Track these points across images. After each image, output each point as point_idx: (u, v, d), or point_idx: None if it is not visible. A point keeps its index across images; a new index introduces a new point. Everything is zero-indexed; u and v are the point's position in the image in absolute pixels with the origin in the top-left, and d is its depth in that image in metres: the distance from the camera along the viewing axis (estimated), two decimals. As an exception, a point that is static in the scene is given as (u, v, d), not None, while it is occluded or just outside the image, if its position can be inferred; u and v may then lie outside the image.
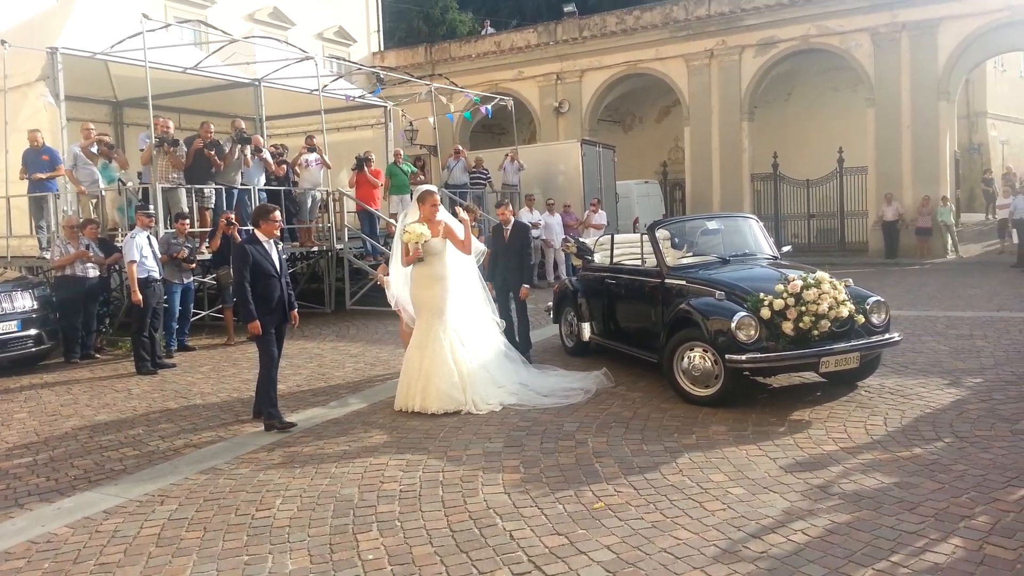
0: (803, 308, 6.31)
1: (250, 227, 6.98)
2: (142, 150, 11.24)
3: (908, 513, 4.25)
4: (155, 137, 10.82)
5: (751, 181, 23.41)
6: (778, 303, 6.37)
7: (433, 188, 7.28)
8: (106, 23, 12.31)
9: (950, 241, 21.01)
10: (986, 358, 8.07)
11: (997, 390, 6.75)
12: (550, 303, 10.16)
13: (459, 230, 7.07)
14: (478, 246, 7.60)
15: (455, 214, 7.36)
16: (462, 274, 7.22)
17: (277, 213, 6.72)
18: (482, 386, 6.93)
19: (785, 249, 8.63)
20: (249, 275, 6.40)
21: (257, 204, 12.06)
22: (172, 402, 7.72)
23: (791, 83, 24.92)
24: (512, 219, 9.17)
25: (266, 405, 6.61)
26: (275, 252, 6.67)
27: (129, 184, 11.46)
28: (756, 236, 8.30)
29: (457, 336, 6.99)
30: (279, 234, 6.86)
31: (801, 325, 6.31)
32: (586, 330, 8.90)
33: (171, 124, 11.54)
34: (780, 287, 6.45)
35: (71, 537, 4.49)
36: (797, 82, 24.99)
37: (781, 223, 22.96)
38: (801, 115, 25.45)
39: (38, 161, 11.00)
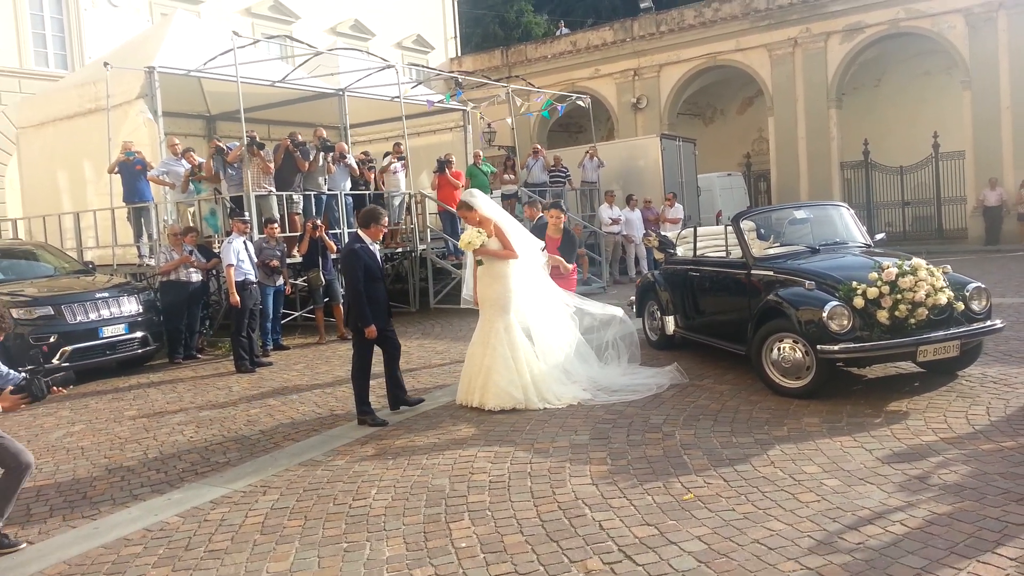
0: (899, 296, 6.12)
1: (356, 229, 7.08)
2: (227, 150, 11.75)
3: (1015, 504, 4.08)
4: (246, 136, 11.28)
5: (840, 170, 22.68)
6: (872, 291, 6.18)
7: (466, 197, 7.26)
8: (198, 42, 12.93)
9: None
10: (1100, 346, 7.63)
11: (1113, 379, 6.39)
12: (632, 298, 10.10)
13: (508, 232, 7.02)
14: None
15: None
16: (529, 271, 7.23)
17: (386, 219, 6.89)
18: (555, 384, 6.96)
19: (879, 237, 8.35)
20: (362, 277, 6.53)
21: (342, 208, 12.51)
22: (271, 398, 8.04)
23: (881, 68, 24.00)
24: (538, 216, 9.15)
25: (358, 404, 6.82)
26: (378, 255, 6.91)
27: (219, 194, 12.01)
28: (847, 224, 8.07)
29: (525, 334, 7.02)
30: (381, 238, 7.04)
31: (897, 313, 6.11)
32: (670, 323, 8.82)
33: (221, 142, 12.07)
34: (874, 275, 6.26)
35: (182, 525, 4.75)
36: (887, 67, 24.04)
37: (874, 212, 22.16)
38: (892, 101, 24.47)
39: (132, 170, 11.64)
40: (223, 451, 6.25)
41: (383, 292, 6.84)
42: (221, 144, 11.85)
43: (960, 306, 6.30)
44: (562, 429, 6.12)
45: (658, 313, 9.12)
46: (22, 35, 17.99)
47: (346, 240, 12.42)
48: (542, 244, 7.69)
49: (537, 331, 7.15)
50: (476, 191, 7.43)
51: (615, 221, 17.16)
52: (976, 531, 3.82)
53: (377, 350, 6.93)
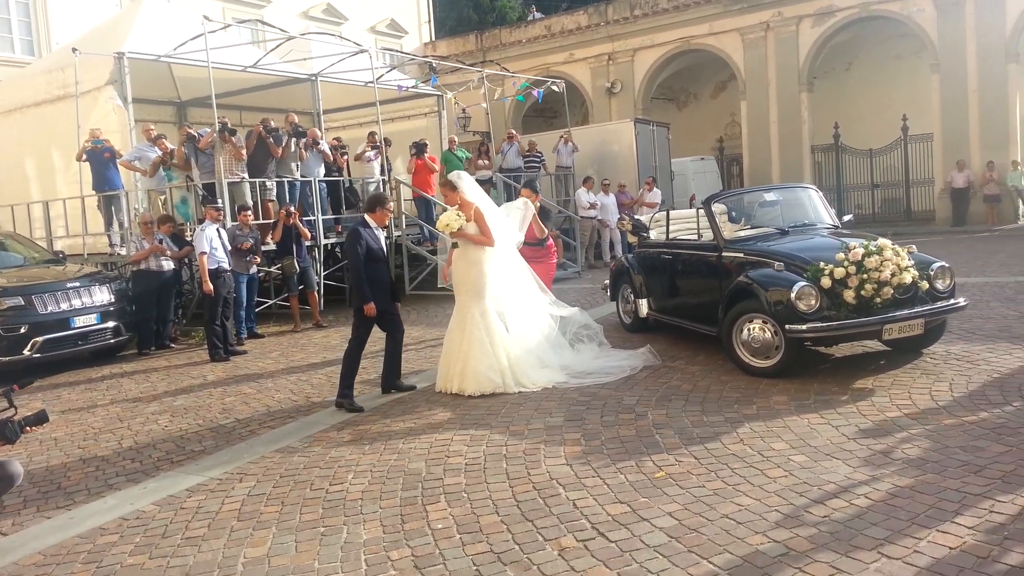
0: (865, 276, 6.24)
1: (363, 214, 7.24)
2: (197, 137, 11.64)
3: (974, 476, 4.21)
4: (217, 123, 11.18)
5: (812, 153, 22.92)
6: (839, 272, 6.31)
7: (452, 177, 7.30)
8: (168, 27, 12.77)
9: (1021, 206, 20.23)
10: (1060, 323, 7.83)
11: (1071, 355, 6.57)
12: (607, 281, 10.19)
13: (488, 218, 7.06)
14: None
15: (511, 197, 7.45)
16: (505, 257, 7.28)
17: (392, 204, 7.12)
18: (529, 368, 7.02)
19: (846, 218, 8.49)
20: (363, 258, 6.72)
21: (316, 194, 12.46)
22: (245, 386, 8.03)
23: (852, 52, 24.23)
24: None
25: (343, 384, 6.90)
26: (383, 238, 7.01)
27: (185, 181, 11.89)
28: (816, 206, 8.19)
29: (500, 319, 7.07)
30: (387, 223, 7.16)
31: (863, 293, 6.24)
32: (643, 306, 8.92)
33: (192, 129, 11.95)
34: (841, 255, 6.39)
35: (158, 514, 4.75)
36: (858, 51, 24.28)
37: (844, 194, 22.45)
38: (863, 84, 24.74)
39: (100, 158, 11.51)
40: (198, 439, 6.26)
41: (385, 273, 7.00)
42: (192, 131, 11.73)
43: (925, 285, 6.44)
44: (537, 412, 6.20)
45: (631, 296, 9.21)
46: (-14, 21, 17.65)
47: (320, 227, 12.43)
48: (520, 237, 7.75)
49: (511, 317, 7.19)
50: (464, 173, 7.45)
51: (592, 206, 17.22)
52: (936, 502, 3.94)
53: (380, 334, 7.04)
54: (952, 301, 6.59)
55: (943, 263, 6.68)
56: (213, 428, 6.56)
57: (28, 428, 4.47)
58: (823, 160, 23.30)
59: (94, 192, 11.85)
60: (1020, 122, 20.65)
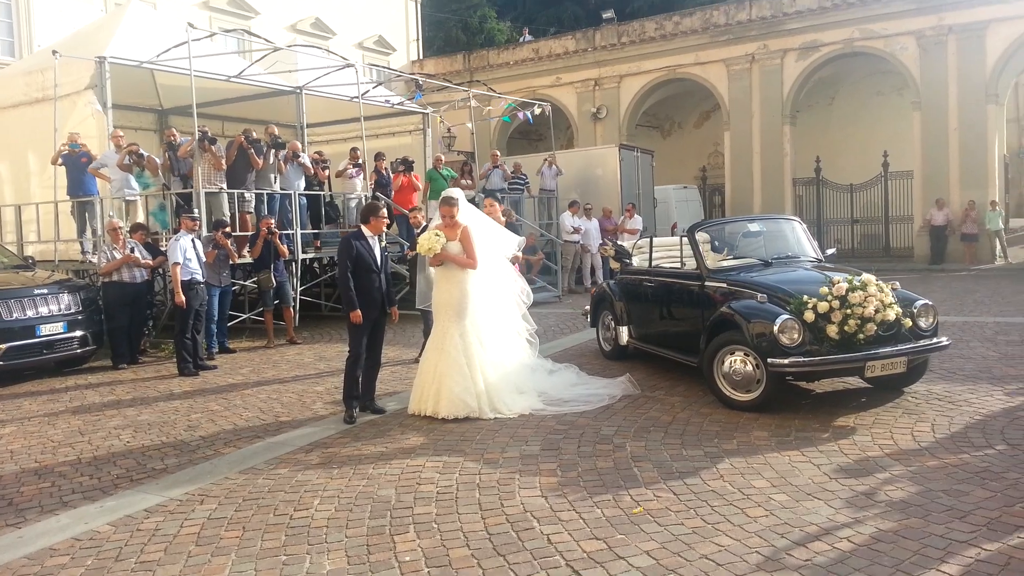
0: (848, 311, 6.17)
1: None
2: (174, 146, 11.43)
3: (958, 521, 4.11)
4: (198, 131, 10.99)
5: (793, 186, 23.09)
6: (822, 306, 6.23)
7: (453, 193, 7.18)
8: (153, 33, 12.59)
9: (998, 246, 20.45)
10: (1039, 365, 7.81)
11: (1052, 397, 6.53)
12: (587, 307, 10.08)
13: (475, 240, 6.93)
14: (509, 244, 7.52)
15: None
16: (489, 279, 7.13)
17: (385, 211, 7.01)
18: (506, 393, 6.87)
19: (830, 252, 8.46)
20: (352, 268, 6.73)
21: (296, 208, 12.28)
22: (213, 403, 7.81)
23: (835, 87, 24.54)
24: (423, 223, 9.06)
25: (344, 395, 6.95)
26: (378, 248, 6.92)
27: (164, 190, 11.65)
28: (799, 238, 8.15)
29: (479, 341, 6.91)
30: (384, 231, 7.12)
31: (846, 328, 6.17)
32: (624, 334, 8.82)
33: (177, 133, 11.75)
34: (825, 289, 6.32)
35: (113, 535, 4.54)
36: (841, 86, 24.59)
37: (824, 228, 22.60)
38: (845, 119, 25.04)
39: (77, 163, 11.28)
40: (160, 457, 6.03)
41: (375, 283, 6.87)
42: (176, 136, 11.53)
43: (908, 323, 6.38)
44: (512, 439, 6.04)
45: (612, 323, 9.11)
46: (-34, 20, 17.39)
47: (298, 241, 12.24)
48: (512, 252, 7.60)
49: (490, 340, 7.03)
50: (457, 191, 7.29)
51: (576, 230, 17.18)
52: (921, 548, 3.83)
53: None
54: (935, 340, 6.53)
55: (926, 301, 6.64)
56: (177, 445, 6.33)
57: None
58: (804, 193, 23.49)
59: (68, 197, 11.60)
60: (998, 162, 20.95)
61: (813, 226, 21.81)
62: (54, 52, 11.54)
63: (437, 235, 6.87)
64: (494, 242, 7.33)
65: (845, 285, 6.28)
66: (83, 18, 17.16)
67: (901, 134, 21.84)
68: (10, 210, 12.80)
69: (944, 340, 6.61)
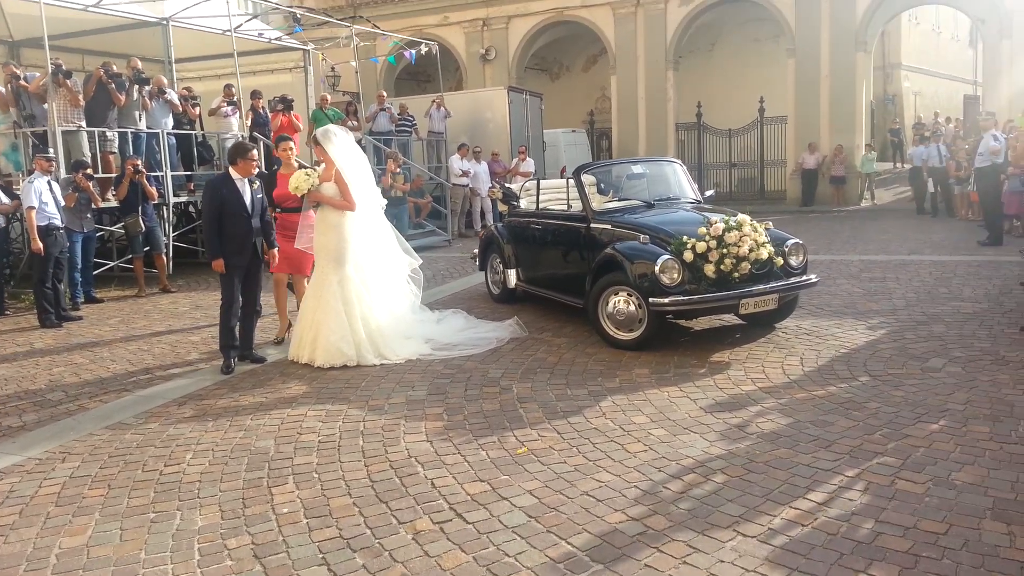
0: (724, 250, 6.35)
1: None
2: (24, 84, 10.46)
3: (824, 451, 4.32)
4: (51, 64, 10.08)
5: (676, 131, 23.54)
6: (701, 246, 6.39)
7: (327, 130, 6.88)
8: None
9: (866, 189, 21.61)
10: (898, 299, 8.32)
11: (908, 330, 6.96)
12: (475, 251, 10.01)
13: (349, 180, 6.69)
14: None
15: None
16: (369, 222, 6.92)
17: (255, 152, 6.62)
18: (392, 339, 6.76)
19: (708, 194, 8.67)
20: (217, 212, 6.38)
21: (164, 148, 11.54)
22: (78, 356, 7.33)
23: (715, 33, 25.00)
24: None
25: (220, 344, 6.66)
26: (249, 191, 6.52)
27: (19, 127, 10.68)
28: (680, 181, 8.31)
29: (363, 286, 6.75)
30: (255, 173, 6.68)
31: (723, 267, 6.35)
32: (512, 277, 8.81)
33: (17, 69, 10.74)
34: (703, 230, 6.47)
35: (-38, 498, 4.20)
36: (721, 32, 25.09)
37: (704, 172, 23.21)
38: (725, 65, 25.61)
39: None
40: (18, 414, 5.63)
41: (245, 228, 6.49)
42: (17, 70, 10.53)
43: (780, 261, 6.63)
44: (399, 385, 5.95)
45: (500, 267, 9.07)
46: None
47: (169, 184, 11.54)
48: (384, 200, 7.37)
49: (374, 285, 6.85)
50: (336, 129, 6.95)
51: (465, 173, 16.97)
52: (789, 477, 4.01)
53: None
54: (805, 277, 6.83)
55: (797, 240, 6.91)
56: (36, 402, 5.92)
57: None
58: (686, 138, 24.00)
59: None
60: (866, 108, 21.97)
61: (694, 170, 22.37)
62: None
63: (307, 174, 6.60)
64: (372, 186, 7.09)
65: (722, 226, 6.44)
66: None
67: (777, 80, 22.53)
68: None
69: (813, 278, 6.92)
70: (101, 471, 4.50)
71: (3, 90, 10.46)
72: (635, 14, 23.16)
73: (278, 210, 7.35)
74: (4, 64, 11.34)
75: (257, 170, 6.78)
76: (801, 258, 6.85)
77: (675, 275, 6.35)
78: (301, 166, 7.15)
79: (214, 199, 6.47)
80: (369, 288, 6.81)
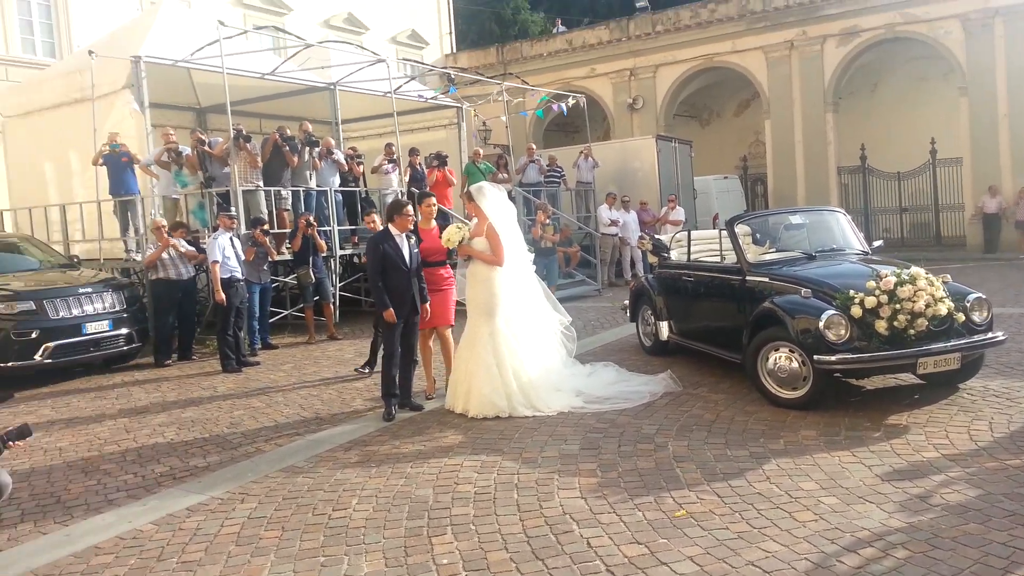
0: (898, 306, 5.97)
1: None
2: (208, 149, 11.51)
3: (1021, 528, 3.92)
4: (232, 129, 11.06)
5: (838, 174, 22.59)
6: (870, 301, 6.04)
7: (481, 186, 7.10)
8: (187, 31, 12.65)
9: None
10: (1100, 359, 7.50)
11: (1115, 394, 6.25)
12: (626, 301, 9.95)
13: (502, 236, 6.84)
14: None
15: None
16: (519, 277, 7.04)
17: (409, 208, 6.95)
18: (544, 391, 6.79)
19: (876, 244, 8.21)
20: (380, 266, 6.72)
21: (332, 204, 12.33)
22: (255, 399, 7.86)
23: (877, 73, 23.89)
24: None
25: (382, 392, 6.96)
26: (407, 246, 6.84)
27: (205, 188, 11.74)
28: (844, 230, 7.93)
29: (513, 339, 6.84)
30: (411, 228, 7.03)
31: (896, 324, 5.96)
32: (664, 329, 8.67)
33: (203, 136, 11.81)
34: (872, 284, 6.12)
35: (155, 534, 4.57)
36: (884, 72, 23.94)
37: (871, 217, 22.08)
38: (889, 106, 24.37)
39: (118, 162, 11.42)
40: (203, 455, 6.08)
41: (405, 281, 6.79)
42: (203, 136, 11.62)
43: (961, 317, 6.15)
44: (551, 438, 5.96)
45: (652, 318, 8.97)
46: (8, 21, 17.65)
47: (336, 237, 12.28)
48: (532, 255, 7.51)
49: (524, 339, 6.94)
50: (489, 185, 7.22)
51: (614, 223, 17.01)
52: (982, 556, 3.66)
53: None
54: (990, 335, 6.29)
55: (980, 294, 6.39)
56: (219, 443, 6.38)
57: (11, 443, 4.29)
58: (850, 182, 22.96)
59: (111, 196, 11.76)
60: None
61: (860, 215, 21.39)
62: (90, 52, 11.67)
63: (459, 228, 6.83)
64: (522, 241, 7.24)
65: (893, 279, 6.07)
66: (120, 17, 17.35)
67: (948, 120, 21.22)
68: (55, 210, 13.01)
69: (1000, 335, 6.37)
70: (276, 513, 4.77)
71: (192, 154, 11.55)
72: (789, 57, 22.61)
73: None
74: (192, 131, 12.55)
75: (413, 225, 7.08)
76: (985, 314, 6.32)
77: (842, 331, 6.02)
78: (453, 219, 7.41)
79: (376, 254, 6.80)
80: (520, 341, 6.91)
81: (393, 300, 6.74)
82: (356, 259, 13.66)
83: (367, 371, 8.66)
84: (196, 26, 13.29)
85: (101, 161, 11.49)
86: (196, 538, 4.48)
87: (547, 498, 4.73)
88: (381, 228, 7.54)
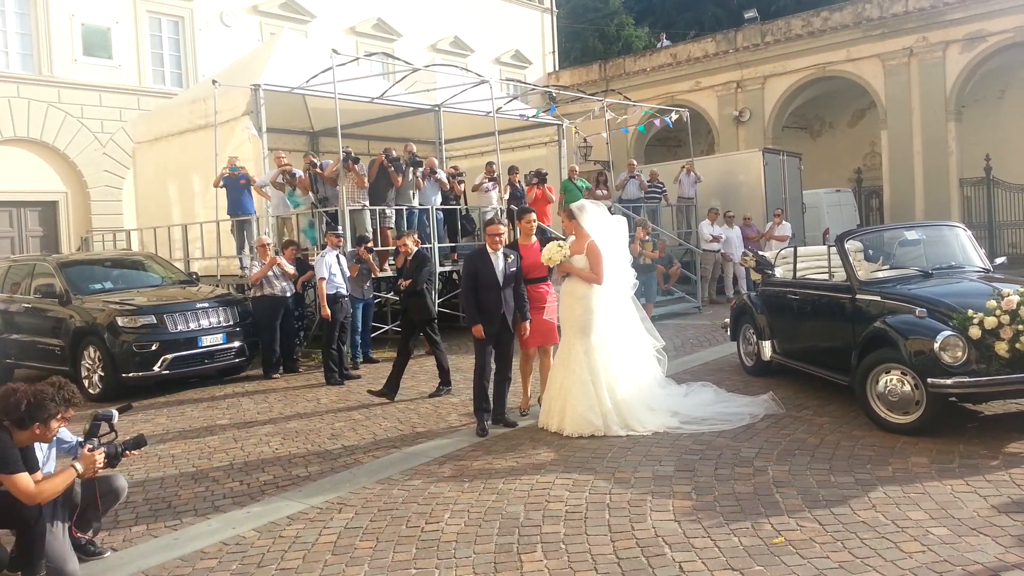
0: (1020, 327, 5.58)
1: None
2: (320, 171, 11.99)
3: None
4: (341, 151, 11.49)
5: (960, 187, 21.35)
6: (990, 321, 5.67)
7: (581, 204, 7.10)
8: (303, 60, 13.30)
9: None
10: None
11: None
12: (727, 320, 9.69)
13: (603, 254, 6.78)
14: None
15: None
16: (616, 296, 6.98)
17: (500, 227, 7.14)
18: (639, 410, 6.69)
19: (999, 261, 7.72)
20: (472, 283, 6.93)
21: (433, 223, 12.61)
22: (356, 412, 8.09)
23: (1005, 79, 22.49)
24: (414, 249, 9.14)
25: (475, 407, 7.10)
26: (503, 264, 6.97)
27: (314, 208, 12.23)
28: (964, 246, 7.49)
29: (608, 357, 6.77)
30: (504, 244, 7.17)
31: (1018, 346, 5.58)
32: (767, 349, 8.39)
33: (315, 158, 12.32)
34: (992, 303, 5.75)
35: (257, 541, 4.76)
36: (1012, 78, 22.51)
37: (996, 232, 20.75)
38: (1018, 114, 22.87)
39: (236, 184, 12.06)
40: (305, 464, 6.29)
41: (495, 298, 6.92)
42: (314, 159, 12.13)
43: (1092, 340, 5.68)
44: (645, 458, 5.86)
45: (754, 337, 8.70)
46: (142, 55, 19.06)
47: (436, 254, 12.54)
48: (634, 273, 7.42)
49: (619, 357, 6.86)
50: (590, 203, 7.25)
51: (716, 238, 16.66)
52: (1112, 601, 3.37)
53: None
54: None
55: (1116, 315, 5.89)
56: (320, 453, 6.59)
57: (127, 452, 4.57)
58: (973, 195, 21.65)
59: (228, 216, 12.43)
60: None
61: (984, 229, 20.15)
62: (214, 82, 12.43)
63: (559, 246, 6.82)
64: (624, 261, 7.16)
65: (1016, 299, 5.69)
66: (241, 48, 18.40)
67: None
68: (178, 229, 13.87)
69: None
70: (371, 524, 4.88)
71: (304, 176, 12.07)
72: (908, 64, 21.60)
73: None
74: (305, 154, 13.14)
75: (508, 242, 7.16)
76: (1120, 336, 5.81)
77: (959, 353, 5.68)
78: (553, 237, 7.44)
79: (469, 271, 7.00)
80: (614, 359, 6.83)
81: (483, 316, 6.87)
82: (455, 276, 13.90)
83: (388, 396, 8.47)
84: (311, 55, 13.97)
85: (221, 183, 12.17)
86: (295, 546, 4.63)
87: (639, 520, 4.66)
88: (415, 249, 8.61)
